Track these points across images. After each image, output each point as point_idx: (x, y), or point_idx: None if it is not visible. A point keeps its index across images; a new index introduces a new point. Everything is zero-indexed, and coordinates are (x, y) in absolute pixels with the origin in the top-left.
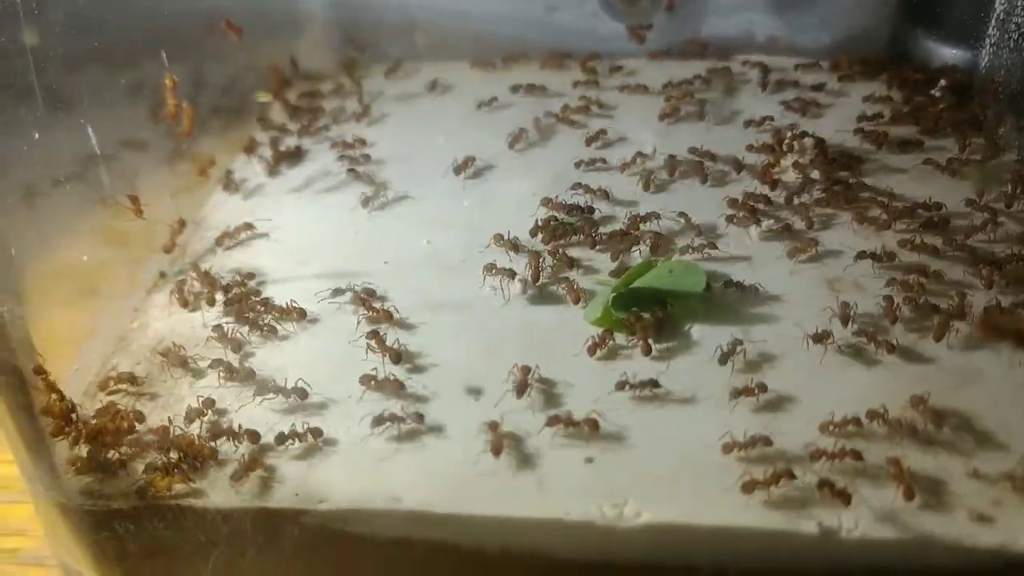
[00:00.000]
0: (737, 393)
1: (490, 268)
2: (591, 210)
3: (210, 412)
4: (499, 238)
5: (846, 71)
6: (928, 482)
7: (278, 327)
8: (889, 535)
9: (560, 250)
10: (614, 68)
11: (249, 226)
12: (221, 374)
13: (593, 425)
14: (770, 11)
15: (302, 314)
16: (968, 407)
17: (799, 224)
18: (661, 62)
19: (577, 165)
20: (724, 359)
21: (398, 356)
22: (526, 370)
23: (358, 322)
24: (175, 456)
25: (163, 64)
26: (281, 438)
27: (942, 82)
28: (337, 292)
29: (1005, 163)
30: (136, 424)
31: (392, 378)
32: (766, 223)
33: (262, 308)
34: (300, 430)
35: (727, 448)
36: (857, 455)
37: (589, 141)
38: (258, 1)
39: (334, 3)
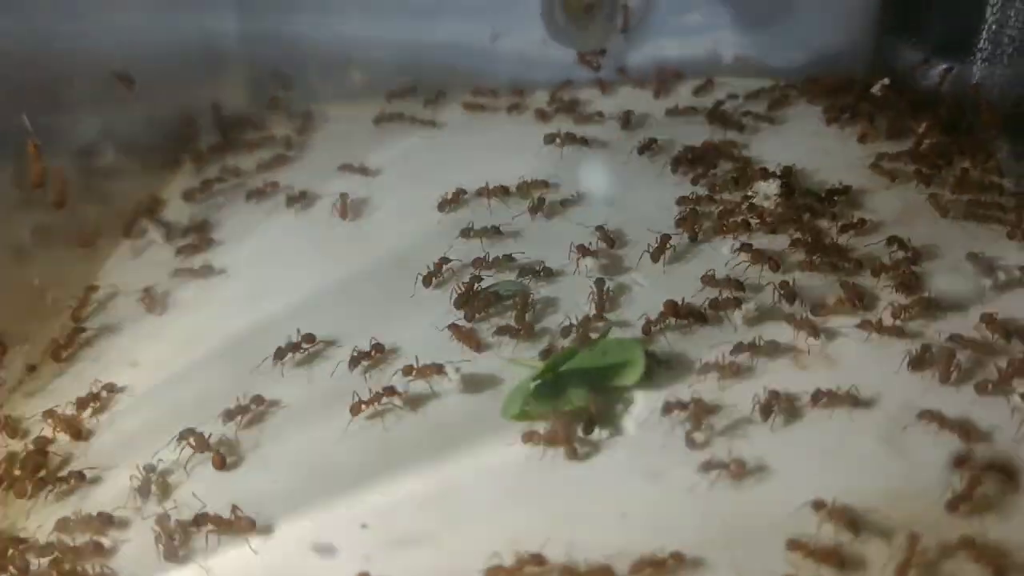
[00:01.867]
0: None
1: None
2: (542, 268)
3: None
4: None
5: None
6: None
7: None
8: None
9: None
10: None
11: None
12: None
13: None
14: (738, 29)
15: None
16: None
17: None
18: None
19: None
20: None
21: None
22: None
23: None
24: None
25: (26, 128)
26: None
27: (884, 81)
28: None
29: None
30: None
31: None
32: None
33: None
34: None
35: None
36: None
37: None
38: (169, 40)
39: (255, 38)
